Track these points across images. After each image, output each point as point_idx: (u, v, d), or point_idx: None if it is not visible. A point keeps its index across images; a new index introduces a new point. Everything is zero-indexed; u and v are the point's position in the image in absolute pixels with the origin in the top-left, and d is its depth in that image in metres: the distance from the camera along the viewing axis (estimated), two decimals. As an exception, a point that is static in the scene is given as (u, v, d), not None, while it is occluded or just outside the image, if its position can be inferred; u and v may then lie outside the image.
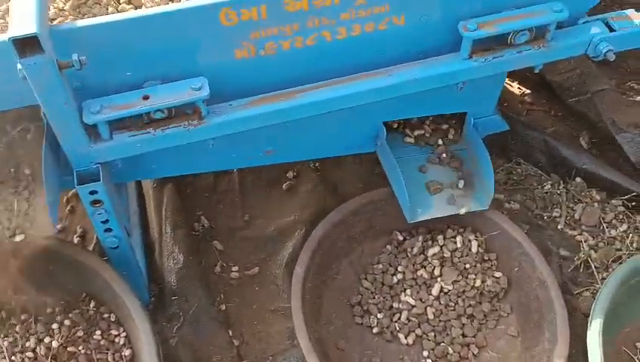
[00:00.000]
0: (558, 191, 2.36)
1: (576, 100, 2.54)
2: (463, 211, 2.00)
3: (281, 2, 1.44)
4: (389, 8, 1.57)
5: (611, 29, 1.84)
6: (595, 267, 2.14)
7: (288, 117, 1.64)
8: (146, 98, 1.52)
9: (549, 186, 2.38)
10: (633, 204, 2.27)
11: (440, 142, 2.15)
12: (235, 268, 2.22)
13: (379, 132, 2.01)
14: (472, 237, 2.11)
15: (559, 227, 2.26)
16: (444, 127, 2.18)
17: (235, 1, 1.40)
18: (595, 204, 2.30)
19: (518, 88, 2.89)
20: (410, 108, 1.98)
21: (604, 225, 2.25)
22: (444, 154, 2.12)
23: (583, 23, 1.86)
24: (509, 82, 2.91)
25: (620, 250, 2.18)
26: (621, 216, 2.27)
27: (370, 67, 1.69)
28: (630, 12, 1.88)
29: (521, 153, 2.50)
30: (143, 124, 1.58)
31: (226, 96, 1.64)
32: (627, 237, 2.20)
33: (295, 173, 2.47)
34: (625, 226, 2.23)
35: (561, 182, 2.38)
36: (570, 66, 2.59)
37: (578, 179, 2.36)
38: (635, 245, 2.18)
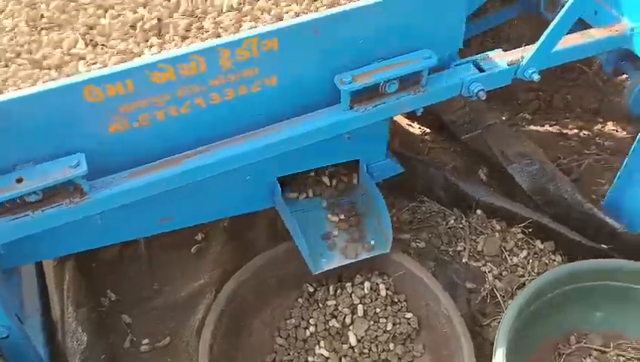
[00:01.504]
0: (461, 225, 2.43)
1: (470, 136, 2.65)
2: (364, 257, 2.02)
3: (146, 75, 1.45)
4: (259, 71, 1.61)
5: (481, 70, 1.95)
6: (500, 296, 2.20)
7: (173, 184, 1.63)
8: (19, 181, 1.48)
9: (453, 221, 2.45)
10: (530, 230, 2.37)
11: (338, 189, 2.18)
12: (145, 341, 2.15)
13: (274, 188, 2.03)
14: (379, 281, 2.13)
15: (464, 260, 2.32)
16: (342, 174, 2.22)
17: (98, 78, 1.40)
18: (496, 234, 2.38)
19: (419, 128, 3.00)
20: (302, 161, 2.01)
21: (506, 253, 2.33)
22: (342, 202, 2.15)
23: (455, 65, 1.96)
24: (409, 123, 3.02)
25: (523, 276, 2.26)
26: (521, 243, 2.36)
27: (253, 127, 1.71)
28: (497, 52, 2.00)
29: (425, 191, 2.57)
30: (21, 206, 1.53)
31: (112, 170, 1.62)
32: (528, 264, 2.29)
33: (204, 235, 2.45)
34: (525, 253, 2.32)
35: (463, 216, 2.46)
36: (461, 105, 2.72)
37: (479, 212, 2.45)
38: (536, 270, 2.26)
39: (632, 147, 2.13)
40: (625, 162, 2.19)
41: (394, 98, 1.84)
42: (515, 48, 1.98)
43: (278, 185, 2.02)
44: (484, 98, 1.90)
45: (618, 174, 2.23)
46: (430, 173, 2.54)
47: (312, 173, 2.18)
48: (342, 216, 2.12)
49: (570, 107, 3.10)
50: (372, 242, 2.05)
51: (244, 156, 1.67)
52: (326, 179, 2.18)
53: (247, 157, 1.69)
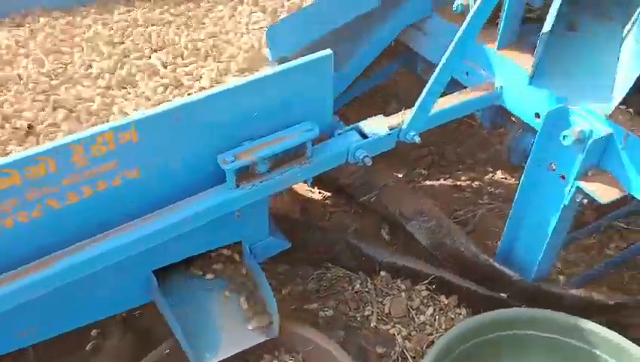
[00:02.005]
0: (367, 289, 2.42)
1: (368, 198, 2.68)
2: (253, 343, 1.92)
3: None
4: (118, 164, 1.55)
5: (365, 136, 1.99)
6: (411, 357, 2.18)
7: (25, 296, 1.50)
8: None
9: (358, 285, 2.44)
10: (434, 286, 2.39)
11: (223, 272, 2.11)
12: None
13: (149, 282, 1.92)
14: (288, 358, 2.06)
15: (373, 324, 2.30)
16: (226, 255, 2.15)
17: None
18: (402, 294, 2.38)
19: (319, 193, 3.01)
20: (179, 249, 1.93)
21: (413, 312, 2.33)
22: (227, 285, 2.06)
23: (339, 133, 1.99)
24: (309, 189, 3.02)
25: (431, 334, 2.26)
26: (426, 300, 2.37)
27: (131, 217, 1.64)
28: (379, 118, 2.05)
29: (329, 257, 2.55)
30: None
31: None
32: (435, 321, 2.29)
33: (99, 330, 2.29)
34: (431, 309, 2.33)
35: (368, 278, 2.46)
36: (355, 168, 2.76)
37: (383, 273, 2.45)
38: (443, 326, 2.27)
39: (516, 195, 2.22)
40: (512, 210, 2.28)
41: (281, 172, 1.83)
42: (408, 103, 2.02)
43: (154, 278, 1.92)
44: (370, 164, 1.93)
45: (507, 223, 2.31)
46: (332, 239, 2.53)
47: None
48: (228, 300, 2.01)
49: (461, 159, 3.23)
50: (261, 325, 1.95)
51: (118, 251, 1.58)
52: (210, 262, 2.09)
53: (122, 251, 1.60)
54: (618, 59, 1.96)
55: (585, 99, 1.84)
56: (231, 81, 1.79)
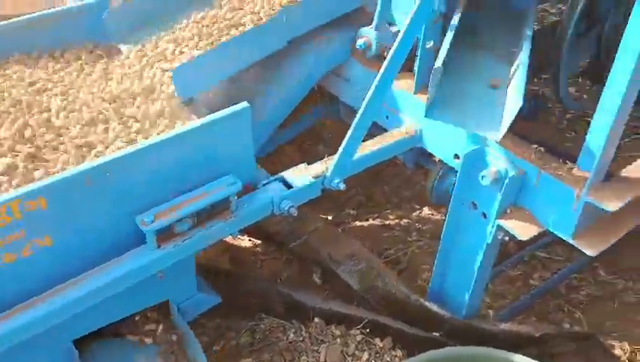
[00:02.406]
0: (301, 338, 2.37)
1: (298, 243, 2.66)
2: None
3: None
4: (26, 233, 1.46)
5: (289, 186, 1.97)
6: (350, 406, 2.15)
7: None
8: None
9: (292, 335, 2.39)
10: (369, 329, 2.37)
11: (151, 334, 2.02)
12: None
13: (70, 354, 1.81)
14: (222, 420, 1.98)
15: (309, 375, 2.25)
16: (153, 316, 2.06)
17: None
18: (337, 340, 2.35)
19: (249, 241, 2.96)
20: (103, 316, 1.83)
21: (349, 359, 2.30)
22: (156, 347, 1.96)
23: (264, 184, 1.97)
24: (240, 237, 2.97)
25: (369, 379, 2.23)
26: (361, 345, 2.34)
27: (48, 287, 1.54)
28: (302, 167, 2.05)
29: (262, 308, 2.50)
30: None
31: None
32: (371, 365, 2.27)
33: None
34: (367, 354, 2.31)
35: (302, 327, 2.41)
36: (283, 214, 2.74)
37: (317, 320, 2.41)
38: (380, 370, 2.26)
39: (442, 234, 2.26)
40: (439, 248, 2.31)
41: (204, 228, 1.78)
42: (336, 145, 2.01)
43: (75, 349, 1.80)
44: (295, 214, 1.92)
45: (435, 261, 2.34)
46: (264, 289, 2.48)
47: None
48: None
49: (389, 198, 3.27)
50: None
51: (36, 324, 1.48)
52: (139, 324, 2.00)
53: (40, 324, 1.50)
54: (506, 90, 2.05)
55: (478, 128, 1.89)
56: (144, 140, 1.74)
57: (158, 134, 1.84)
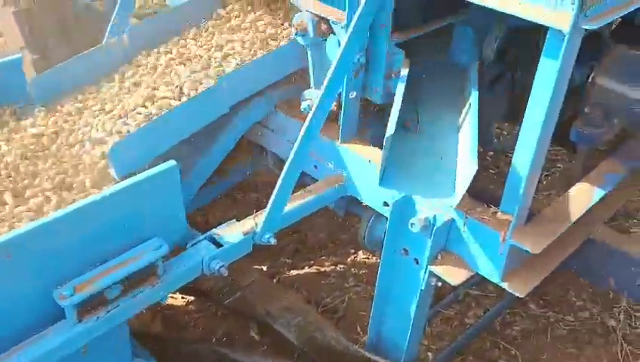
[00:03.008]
0: (240, 399, 2.29)
1: (233, 299, 2.59)
2: None
3: None
4: None
5: (218, 245, 1.92)
6: None
7: None
8: None
9: (231, 396, 2.30)
10: (311, 383, 2.32)
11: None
12: None
13: None
14: None
15: None
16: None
17: None
18: (278, 398, 2.28)
19: (182, 298, 2.85)
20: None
21: (291, 417, 2.23)
22: None
23: (192, 245, 1.90)
24: (172, 295, 2.86)
25: None
26: (303, 401, 2.29)
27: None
28: (232, 223, 2.00)
29: (197, 370, 2.40)
30: None
31: None
32: (313, 422, 2.21)
33: None
34: (309, 410, 2.25)
35: (241, 387, 2.33)
36: (217, 268, 2.66)
37: (256, 378, 2.34)
38: None
39: (377, 280, 2.25)
40: (375, 295, 2.30)
41: (129, 297, 1.70)
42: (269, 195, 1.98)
43: None
44: (225, 274, 1.86)
45: (372, 308, 2.32)
46: (198, 350, 2.39)
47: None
48: None
49: (323, 243, 3.26)
50: None
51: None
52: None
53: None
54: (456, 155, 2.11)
55: (431, 196, 1.95)
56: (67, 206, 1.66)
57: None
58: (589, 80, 2.24)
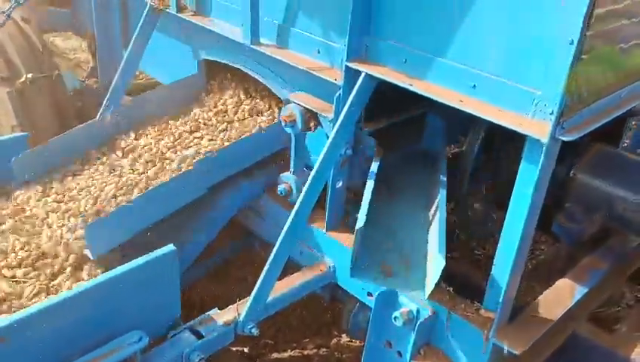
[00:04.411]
0: None
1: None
2: None
3: None
4: None
5: (200, 335, 1.89)
6: None
7: None
8: None
9: None
10: None
11: None
12: None
13: None
14: None
15: None
16: None
17: None
18: None
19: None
20: None
21: None
22: None
23: (172, 336, 1.87)
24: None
25: None
26: None
27: None
28: (214, 312, 1.98)
29: None
30: None
31: None
32: None
33: None
34: None
35: None
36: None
37: None
38: None
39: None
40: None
41: (106, 391, 1.65)
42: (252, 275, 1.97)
43: None
44: (205, 367, 1.83)
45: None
46: None
47: None
48: None
49: (306, 323, 3.21)
50: None
51: None
52: None
53: None
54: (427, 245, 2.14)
55: (402, 289, 1.96)
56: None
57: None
58: (570, 175, 2.30)
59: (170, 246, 1.76)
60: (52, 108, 2.95)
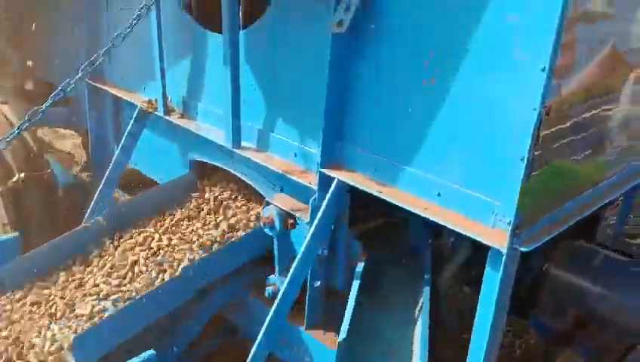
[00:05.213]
0: None
1: None
2: None
3: None
4: None
5: None
6: None
7: None
8: None
9: None
10: None
11: None
12: None
13: None
14: None
15: None
16: None
17: None
18: None
19: None
20: None
21: None
22: None
23: None
24: None
25: None
26: None
27: None
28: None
29: None
30: None
31: None
32: None
33: None
34: None
35: None
36: None
37: None
38: None
39: None
40: None
41: None
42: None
43: None
44: None
45: None
46: None
47: None
48: None
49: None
50: None
51: None
52: None
53: None
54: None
55: None
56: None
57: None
58: (543, 269, 2.35)
59: (151, 352, 1.79)
60: (44, 206, 3.03)
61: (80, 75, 2.48)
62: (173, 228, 2.55)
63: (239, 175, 2.56)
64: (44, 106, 2.44)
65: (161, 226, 2.57)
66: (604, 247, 2.77)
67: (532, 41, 1.50)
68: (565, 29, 1.45)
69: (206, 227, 2.53)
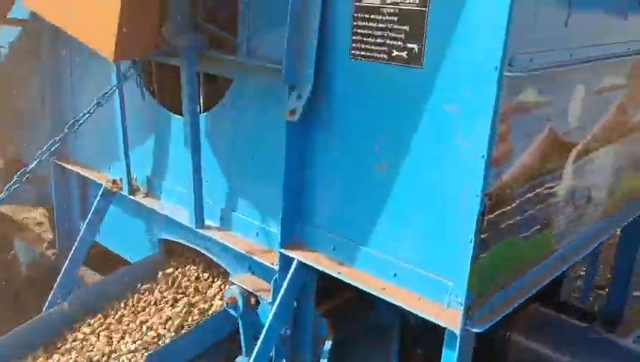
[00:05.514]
0: None
1: None
2: None
3: None
4: None
5: None
6: None
7: None
8: None
9: None
10: None
11: None
12: None
13: None
14: None
15: None
16: None
17: None
18: None
19: None
20: None
21: None
22: None
23: None
24: None
25: None
26: None
27: None
28: None
29: None
30: None
31: None
32: None
33: None
34: None
35: None
36: None
37: None
38: None
39: None
40: None
41: None
42: None
43: None
44: None
45: None
46: None
47: None
48: None
49: None
50: None
51: None
52: None
53: None
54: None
55: None
56: None
57: None
58: (505, 336, 2.39)
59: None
60: (6, 288, 2.98)
61: (37, 160, 2.52)
62: (140, 312, 2.54)
63: (206, 253, 2.57)
64: (5, 188, 2.47)
65: (122, 316, 2.55)
66: (566, 308, 2.84)
67: (472, 129, 1.58)
68: (501, 120, 1.54)
69: (172, 309, 2.52)
